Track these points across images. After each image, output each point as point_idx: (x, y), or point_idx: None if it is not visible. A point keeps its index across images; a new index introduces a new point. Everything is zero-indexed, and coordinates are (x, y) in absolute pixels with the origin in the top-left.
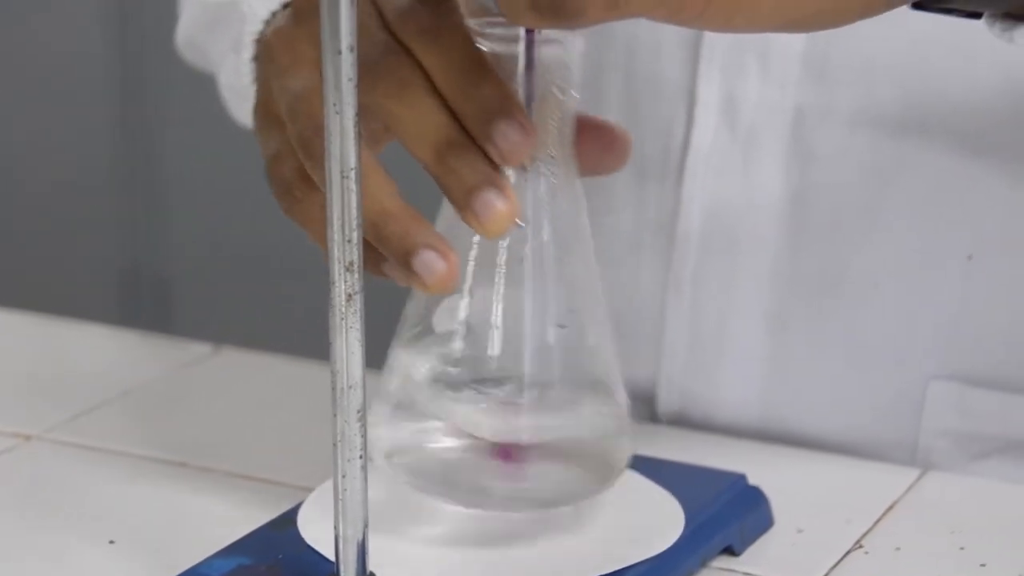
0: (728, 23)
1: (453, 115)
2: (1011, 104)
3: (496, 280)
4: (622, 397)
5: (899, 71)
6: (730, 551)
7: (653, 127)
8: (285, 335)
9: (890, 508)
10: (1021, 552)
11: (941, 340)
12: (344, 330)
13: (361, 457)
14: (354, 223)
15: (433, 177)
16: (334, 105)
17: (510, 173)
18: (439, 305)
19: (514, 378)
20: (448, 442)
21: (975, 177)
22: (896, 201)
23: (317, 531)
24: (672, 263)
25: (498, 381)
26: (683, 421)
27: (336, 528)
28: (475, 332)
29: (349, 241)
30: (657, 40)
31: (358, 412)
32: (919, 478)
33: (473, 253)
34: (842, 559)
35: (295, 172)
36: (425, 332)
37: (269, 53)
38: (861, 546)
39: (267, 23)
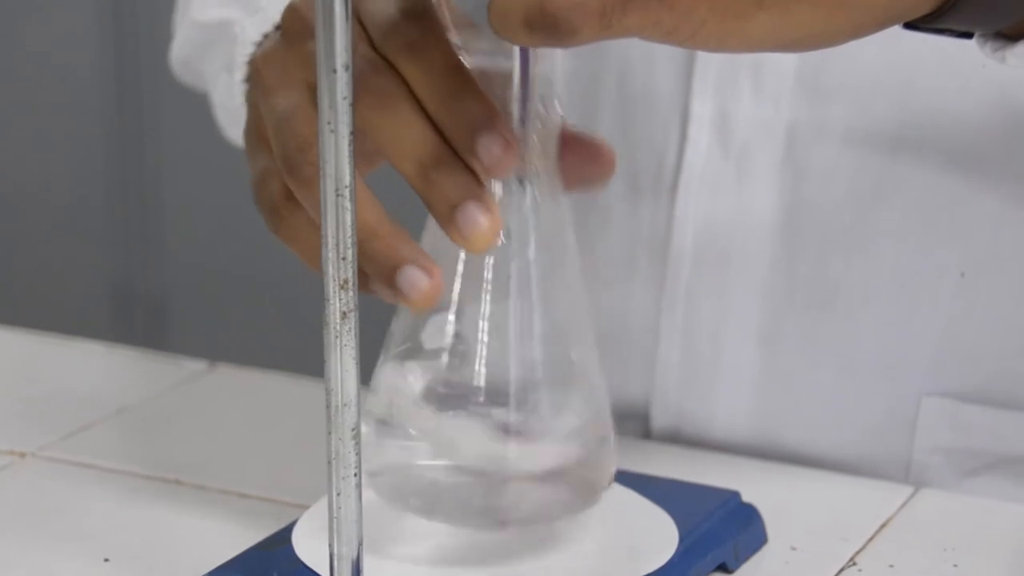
0: (721, 44)
1: (437, 130)
2: (1003, 122)
3: (482, 296)
4: (607, 413)
5: (892, 88)
6: (724, 569)
7: (646, 144)
8: (280, 352)
9: (884, 525)
10: (1014, 570)
11: (934, 356)
12: (339, 348)
13: (356, 475)
14: (348, 241)
15: (417, 192)
16: (328, 123)
17: (494, 188)
18: (426, 322)
19: (499, 395)
20: (433, 460)
21: (967, 194)
22: (889, 218)
23: (312, 549)
24: (665, 280)
25: (484, 398)
26: (677, 438)
27: (331, 546)
28: (461, 349)
29: (344, 259)
30: (651, 57)
31: (352, 430)
32: (912, 495)
33: (459, 269)
34: None
35: (281, 191)
36: (412, 350)
37: (257, 74)
38: (855, 563)
39: (258, 45)
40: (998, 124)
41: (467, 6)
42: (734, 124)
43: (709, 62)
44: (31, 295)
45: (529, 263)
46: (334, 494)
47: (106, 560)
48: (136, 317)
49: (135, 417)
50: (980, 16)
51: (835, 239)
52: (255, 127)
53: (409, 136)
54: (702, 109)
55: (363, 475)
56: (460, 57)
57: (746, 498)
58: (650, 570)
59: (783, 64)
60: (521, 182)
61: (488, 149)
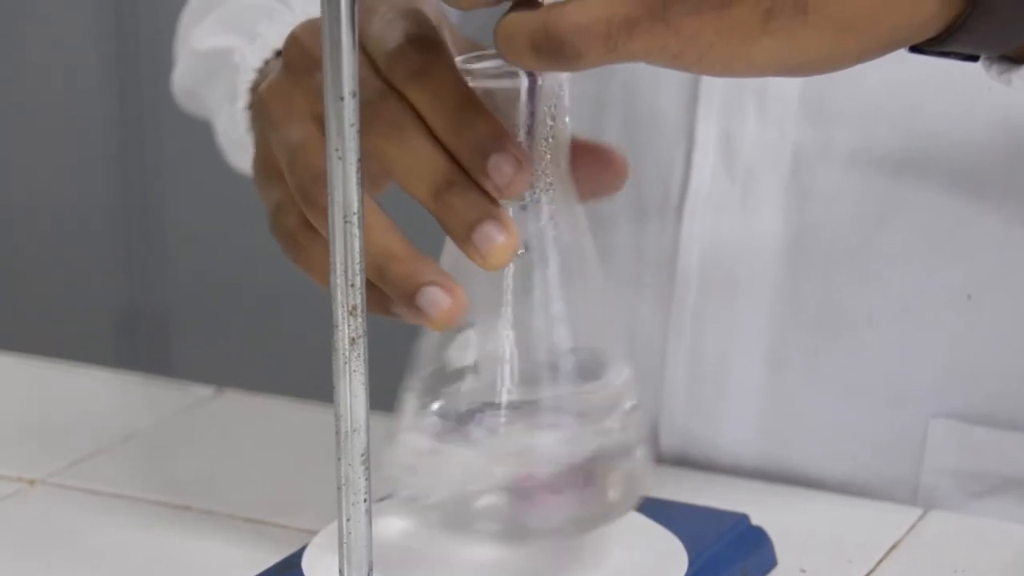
0: (727, 68)
1: (448, 154)
2: (1007, 144)
3: (506, 313)
4: (639, 420)
5: (897, 111)
6: None
7: (652, 166)
8: (287, 377)
9: (893, 548)
10: None
11: (941, 378)
12: (348, 374)
13: (365, 501)
14: (357, 267)
15: (432, 214)
16: (336, 151)
17: (509, 205)
18: (453, 341)
19: (530, 409)
20: (467, 477)
21: (973, 216)
22: (894, 240)
23: (322, 574)
24: (672, 302)
25: (514, 413)
26: (685, 461)
27: (341, 572)
28: (488, 367)
29: (352, 285)
30: (656, 80)
31: (362, 456)
32: (921, 517)
33: (481, 286)
34: None
35: (298, 221)
36: (439, 370)
37: (263, 107)
38: None
39: (260, 72)
40: (1002, 146)
41: (472, 28)
42: (739, 147)
43: (714, 85)
44: (37, 321)
45: (551, 275)
46: (344, 519)
47: None
48: (142, 343)
49: (144, 443)
50: (986, 39)
51: (841, 261)
52: (265, 158)
53: (421, 162)
54: (707, 132)
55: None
56: (466, 79)
57: (755, 521)
58: None
59: (788, 87)
60: (536, 196)
61: (499, 169)
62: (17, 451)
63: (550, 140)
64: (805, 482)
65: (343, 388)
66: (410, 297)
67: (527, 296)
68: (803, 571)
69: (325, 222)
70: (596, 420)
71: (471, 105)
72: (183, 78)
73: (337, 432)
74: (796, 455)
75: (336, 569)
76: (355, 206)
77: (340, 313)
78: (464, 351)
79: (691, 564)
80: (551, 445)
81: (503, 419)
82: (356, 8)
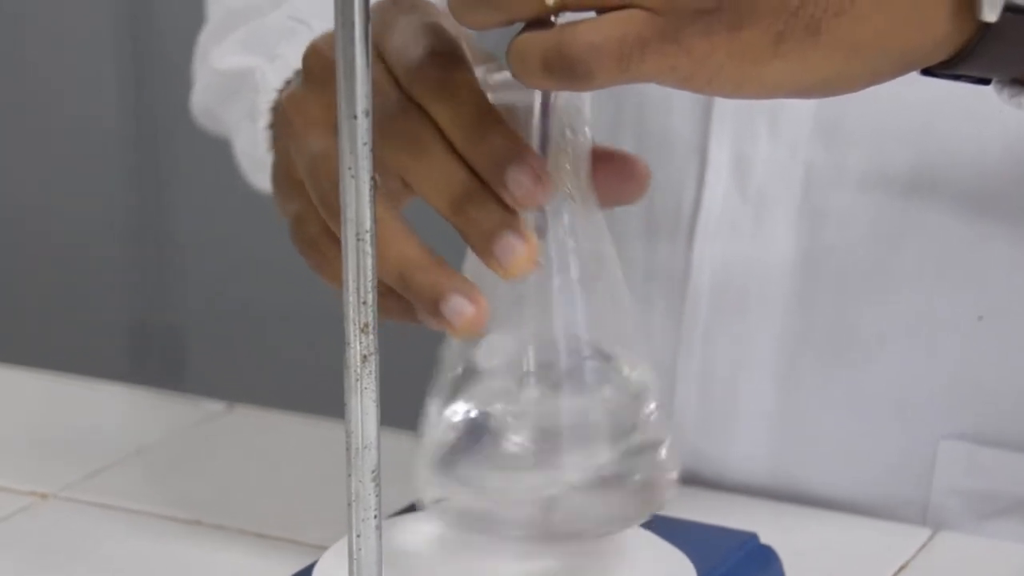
0: (738, 90)
1: (467, 166)
2: (1019, 166)
3: (530, 319)
4: (663, 417)
5: (909, 133)
6: None
7: (664, 186)
8: (299, 393)
9: (902, 568)
10: None
11: (951, 399)
12: (359, 391)
13: (376, 517)
14: (369, 285)
15: (453, 226)
16: (349, 169)
17: (530, 216)
18: (478, 347)
19: (555, 414)
20: (494, 480)
21: (984, 238)
22: (906, 261)
23: None
24: (683, 321)
25: (538, 418)
26: (694, 479)
27: None
28: (512, 372)
29: (364, 303)
30: (668, 101)
31: (373, 472)
32: (930, 538)
33: (504, 295)
34: None
35: (320, 231)
36: (464, 375)
37: (283, 118)
38: None
39: (281, 92)
40: (1014, 168)
41: (489, 41)
42: (751, 168)
43: (726, 106)
44: (50, 335)
45: (571, 283)
46: (354, 536)
47: None
48: (155, 358)
49: (155, 458)
50: (996, 63)
51: (852, 282)
52: (285, 169)
53: (440, 174)
54: (719, 153)
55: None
56: (485, 92)
57: (764, 540)
58: None
59: (800, 109)
60: (557, 208)
61: (518, 182)
62: (29, 465)
63: (569, 151)
64: (815, 501)
65: (354, 405)
66: (434, 305)
67: (549, 304)
68: None
69: None
70: (619, 422)
71: (490, 118)
72: (203, 97)
73: (348, 448)
74: (806, 474)
75: None
76: (368, 224)
77: (352, 330)
78: (488, 355)
79: None
80: (576, 448)
81: (527, 424)
82: (370, 27)
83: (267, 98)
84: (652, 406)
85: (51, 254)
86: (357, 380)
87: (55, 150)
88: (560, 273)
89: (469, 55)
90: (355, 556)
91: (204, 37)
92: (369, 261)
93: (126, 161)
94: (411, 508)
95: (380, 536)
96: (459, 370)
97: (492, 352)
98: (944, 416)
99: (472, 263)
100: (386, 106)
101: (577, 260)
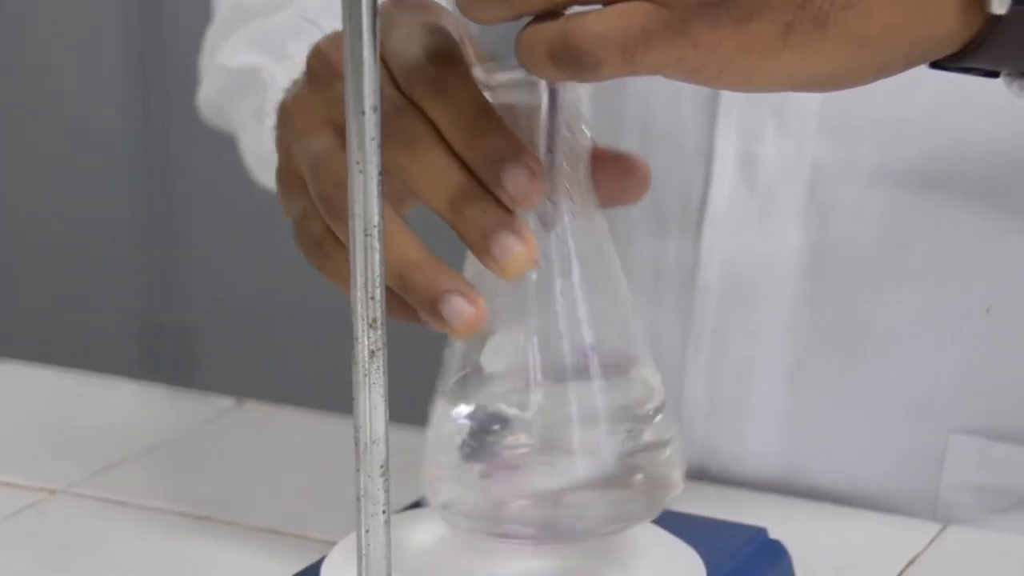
0: (746, 83)
1: (464, 166)
2: None
3: (532, 319)
4: (668, 416)
5: (917, 126)
6: None
7: (671, 182)
8: (308, 389)
9: (911, 562)
10: None
11: (961, 393)
12: (367, 386)
13: (384, 512)
14: (377, 280)
15: (450, 226)
16: (357, 164)
17: (529, 215)
18: (482, 346)
19: (558, 413)
20: (498, 481)
21: (994, 231)
22: (915, 255)
23: None
24: (692, 317)
25: (542, 418)
26: (704, 474)
27: None
28: (514, 372)
29: (372, 298)
30: (675, 96)
31: (381, 467)
32: (940, 532)
33: (506, 294)
34: None
35: (323, 229)
36: (468, 376)
37: (286, 118)
38: None
39: (288, 91)
40: (1023, 160)
41: (492, 38)
42: (758, 163)
43: (733, 101)
44: (60, 332)
45: (573, 282)
46: (363, 531)
47: None
48: (164, 354)
49: (164, 454)
50: (1005, 56)
51: (861, 276)
52: (288, 169)
53: (437, 174)
54: (726, 148)
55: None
56: (483, 92)
57: (773, 535)
58: None
59: (807, 103)
60: (556, 207)
61: (515, 180)
62: (39, 461)
63: (567, 150)
64: (825, 496)
65: (363, 400)
66: (432, 306)
67: (549, 303)
68: None
69: (347, 231)
70: (623, 421)
71: (487, 118)
72: (210, 94)
73: (357, 444)
74: (816, 469)
75: None
76: (375, 219)
77: (360, 326)
78: (493, 357)
79: None
80: (581, 449)
81: (532, 425)
82: (377, 23)
83: (274, 98)
84: (657, 406)
85: (63, 254)
86: (365, 375)
87: (67, 152)
88: (561, 273)
89: (469, 55)
90: (364, 551)
91: (211, 33)
92: (377, 257)
93: (137, 163)
94: (420, 503)
95: (389, 531)
96: (464, 371)
97: (496, 353)
98: (954, 411)
99: (472, 266)
100: (384, 107)
101: (578, 260)
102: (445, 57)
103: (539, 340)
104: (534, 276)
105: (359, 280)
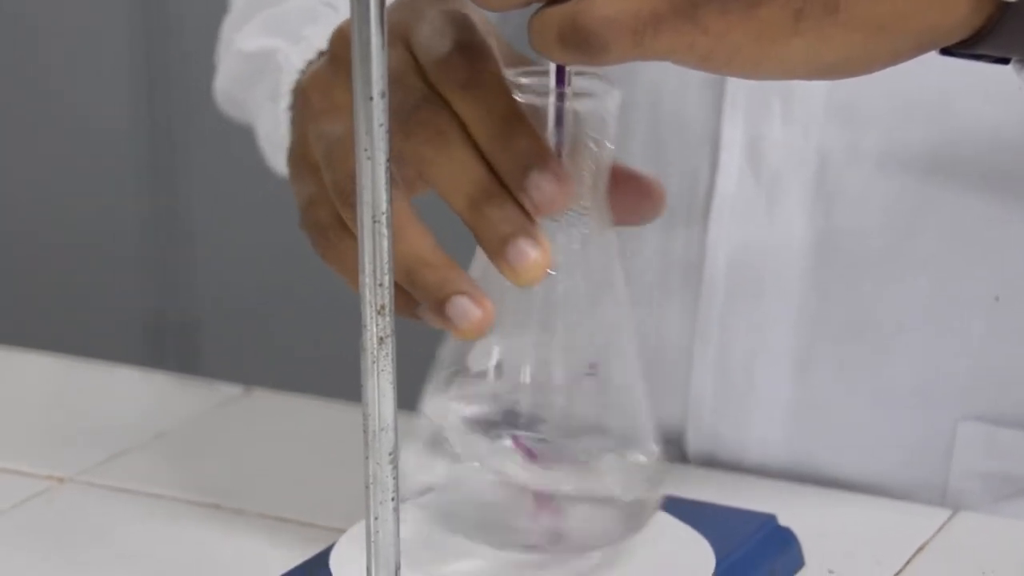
0: (756, 70)
1: (488, 165)
2: None
3: (531, 325)
4: (653, 440)
5: (924, 113)
6: None
7: (678, 171)
8: (316, 376)
9: (920, 549)
10: None
11: (969, 381)
12: (376, 373)
13: (393, 499)
14: (385, 267)
15: (467, 225)
16: (365, 151)
17: (545, 223)
18: (476, 349)
19: (546, 421)
20: (481, 484)
21: (1001, 218)
22: (922, 242)
23: (350, 573)
24: (699, 306)
25: (531, 424)
26: (712, 462)
27: (368, 570)
28: (508, 376)
29: (381, 285)
30: (682, 84)
31: (390, 454)
32: (949, 519)
33: (508, 298)
34: None
35: (330, 217)
36: (459, 374)
37: (304, 98)
38: None
39: (303, 72)
40: None
41: (508, 31)
42: (765, 151)
43: (739, 89)
44: (67, 321)
45: (578, 295)
46: (372, 518)
47: None
48: (171, 342)
49: (173, 442)
50: (1017, 42)
51: (868, 264)
52: (302, 152)
53: (460, 171)
54: (733, 136)
55: (413, 498)
56: (513, 94)
57: (783, 522)
58: None
59: (814, 90)
60: (572, 217)
61: (539, 186)
62: (47, 449)
63: (591, 163)
64: (833, 484)
65: (371, 387)
66: (439, 304)
67: (552, 314)
68: (831, 572)
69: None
70: (611, 437)
71: (516, 119)
72: (225, 81)
73: (365, 431)
74: (824, 457)
75: (364, 567)
76: (384, 206)
77: (368, 312)
78: (484, 358)
79: (718, 565)
80: (563, 460)
81: (522, 432)
82: (385, 9)
83: (289, 79)
84: (645, 424)
85: (73, 247)
86: (374, 362)
87: (74, 147)
88: (566, 285)
89: (499, 52)
90: (373, 538)
91: (227, 24)
92: (385, 243)
93: (143, 153)
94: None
95: (398, 518)
96: (455, 369)
97: (484, 355)
98: (962, 398)
99: (478, 266)
100: (411, 98)
101: (586, 275)
102: (476, 53)
103: (533, 348)
104: (540, 284)
105: (367, 267)
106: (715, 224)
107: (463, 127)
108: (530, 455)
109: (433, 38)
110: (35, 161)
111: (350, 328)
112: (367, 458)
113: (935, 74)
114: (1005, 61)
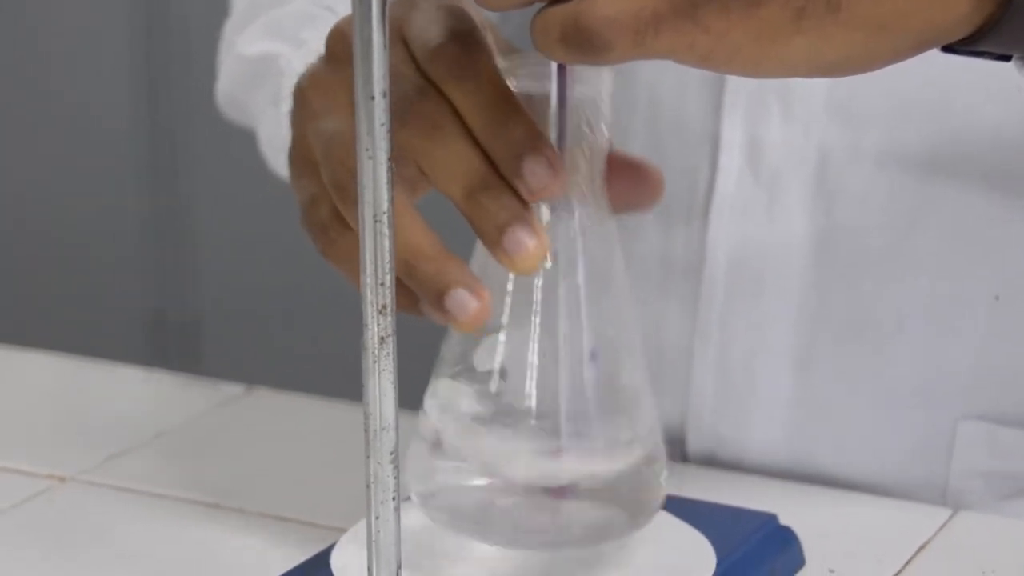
0: (757, 69)
1: (484, 154)
2: None
3: (532, 319)
4: (657, 435)
5: (923, 111)
6: None
7: (678, 170)
8: (317, 376)
9: (921, 548)
10: None
11: (970, 380)
12: (377, 372)
13: (394, 499)
14: (387, 266)
15: (464, 215)
16: (367, 150)
17: (542, 211)
18: (478, 345)
19: (551, 418)
20: (485, 482)
21: (1001, 216)
22: (922, 241)
23: (351, 572)
24: (699, 305)
25: (535, 420)
26: (713, 461)
27: (369, 570)
28: (512, 372)
29: (382, 284)
30: (681, 83)
31: (391, 454)
32: (950, 518)
33: (509, 292)
34: None
35: (330, 214)
36: (463, 372)
37: (303, 98)
38: None
39: (304, 73)
40: None
41: (509, 29)
42: (765, 150)
43: (739, 88)
44: (68, 320)
45: (578, 285)
46: (372, 518)
47: None
48: (172, 341)
49: (174, 441)
50: (1018, 39)
51: (868, 263)
52: (300, 151)
53: (456, 161)
54: (732, 135)
55: (414, 496)
56: (507, 82)
57: (783, 521)
58: None
59: (813, 89)
60: (569, 205)
61: (534, 173)
62: (48, 448)
63: (586, 149)
64: (833, 483)
65: (372, 386)
66: (438, 297)
67: (552, 305)
68: (831, 571)
69: (357, 216)
70: (614, 431)
71: (510, 107)
72: (227, 84)
73: (366, 430)
74: (824, 457)
75: (365, 567)
76: (385, 205)
77: (370, 312)
78: (488, 356)
79: (719, 564)
80: (571, 453)
81: (524, 425)
82: (387, 8)
83: (290, 83)
84: (649, 420)
85: (75, 246)
86: (375, 361)
87: (76, 146)
88: (567, 274)
89: (492, 43)
90: (374, 538)
91: (228, 27)
92: (387, 243)
93: (145, 152)
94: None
95: (398, 518)
96: (459, 367)
97: (489, 353)
98: (963, 397)
99: (478, 260)
100: (405, 88)
101: (585, 263)
102: (469, 41)
103: (536, 344)
104: (539, 275)
105: (368, 266)
106: (715, 223)
107: (458, 117)
108: (532, 452)
109: (426, 29)
110: (35, 161)
111: (351, 327)
112: (368, 457)
113: (935, 72)
114: (1007, 58)
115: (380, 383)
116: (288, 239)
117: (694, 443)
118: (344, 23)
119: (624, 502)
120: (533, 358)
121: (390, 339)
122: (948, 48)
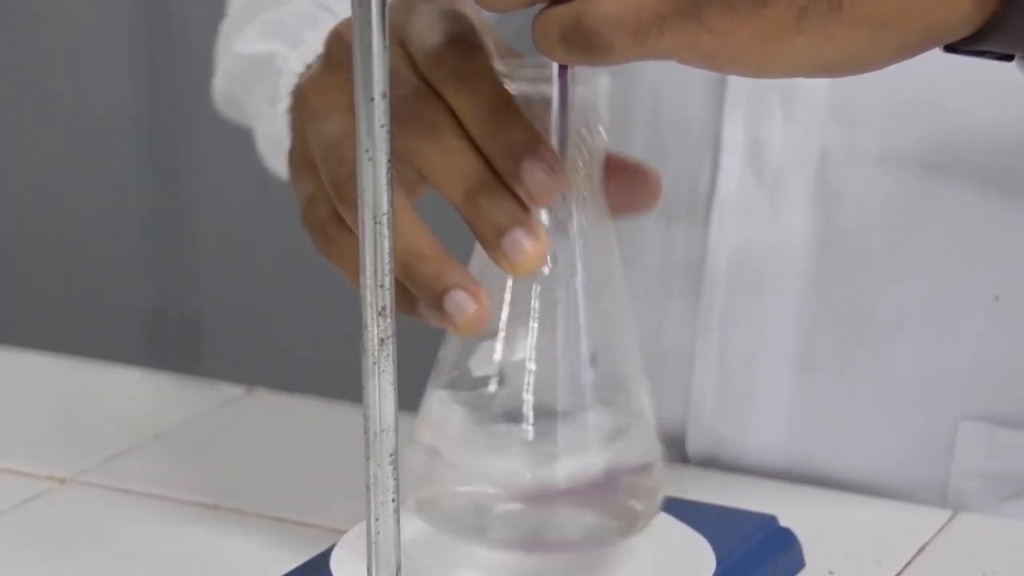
0: (761, 68)
1: (482, 157)
2: None
3: (530, 322)
4: (655, 438)
5: (924, 111)
6: None
7: (679, 170)
8: (317, 377)
9: (921, 549)
10: None
11: (970, 380)
12: (376, 374)
13: (394, 500)
14: (386, 268)
15: (463, 218)
16: (367, 151)
17: (541, 214)
18: (476, 349)
19: (548, 421)
20: (482, 486)
21: (1001, 217)
22: (923, 241)
23: (350, 574)
24: (700, 305)
25: (532, 424)
26: (713, 463)
27: (369, 571)
28: (509, 376)
29: (382, 286)
30: (682, 84)
31: (391, 455)
32: (950, 519)
33: (507, 295)
34: None
35: (329, 214)
36: (460, 377)
37: (302, 100)
38: None
39: (301, 75)
40: None
41: (509, 30)
42: (766, 150)
43: (740, 89)
44: (68, 321)
45: (576, 288)
46: (372, 519)
47: None
48: (172, 343)
49: (173, 442)
50: (1021, 38)
51: (869, 263)
52: (301, 152)
53: (455, 163)
54: (734, 135)
55: (411, 502)
56: (506, 85)
57: (783, 522)
58: None
59: (814, 89)
60: (568, 207)
61: (533, 176)
62: (48, 449)
63: (584, 151)
64: (833, 484)
65: (372, 388)
66: (436, 299)
67: (551, 308)
68: (831, 573)
69: (356, 216)
70: (613, 434)
71: (508, 109)
72: (224, 82)
73: (366, 432)
74: (825, 458)
75: (364, 569)
76: (385, 207)
77: (369, 314)
78: (486, 360)
79: (719, 565)
80: (569, 458)
81: (521, 430)
82: (387, 10)
83: (288, 82)
84: (646, 425)
85: (74, 246)
86: (375, 363)
87: (75, 143)
88: (565, 278)
89: (491, 45)
90: (373, 540)
91: (226, 26)
92: (386, 244)
93: (145, 153)
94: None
95: (398, 519)
96: (456, 372)
97: (489, 355)
98: (963, 398)
99: (477, 263)
100: (404, 91)
101: (584, 266)
102: (468, 44)
103: (534, 347)
104: (537, 280)
105: (368, 268)
106: (716, 224)
107: (456, 119)
108: (530, 457)
109: (424, 31)
110: (35, 160)
111: (351, 329)
112: (368, 459)
113: (934, 73)
114: (1008, 58)
115: (380, 385)
116: (288, 239)
117: (694, 443)
118: (342, 27)
119: (622, 506)
120: (531, 362)
121: (390, 341)
122: (949, 48)
